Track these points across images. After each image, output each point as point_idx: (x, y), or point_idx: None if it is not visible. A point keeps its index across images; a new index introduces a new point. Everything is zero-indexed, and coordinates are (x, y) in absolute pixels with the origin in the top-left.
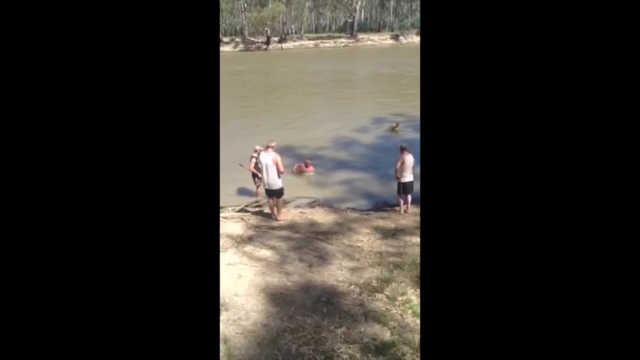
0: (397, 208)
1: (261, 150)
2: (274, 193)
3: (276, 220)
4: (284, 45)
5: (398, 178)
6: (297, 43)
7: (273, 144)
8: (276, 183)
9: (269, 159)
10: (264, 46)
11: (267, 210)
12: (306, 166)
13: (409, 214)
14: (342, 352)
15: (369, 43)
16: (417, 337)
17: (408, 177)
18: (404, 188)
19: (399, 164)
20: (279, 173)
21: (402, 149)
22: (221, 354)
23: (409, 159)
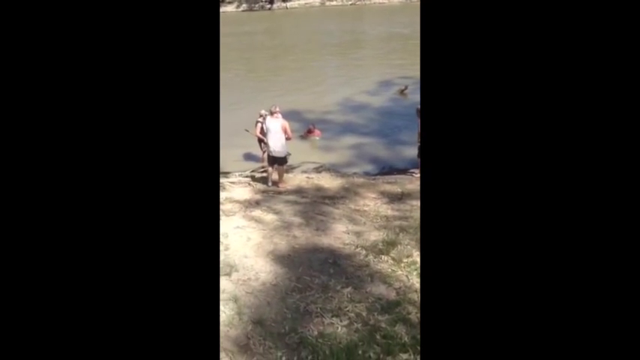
0: (415, 173)
1: (266, 115)
2: (278, 161)
3: (277, 186)
4: (289, 4)
5: (420, 141)
6: (302, 2)
7: (277, 109)
8: (283, 150)
9: (277, 125)
10: (268, 6)
11: (274, 175)
12: (309, 132)
13: (416, 179)
14: (348, 311)
15: (377, 1)
16: None
17: None
18: None
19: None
20: (287, 139)
21: (420, 112)
22: (232, 312)
23: None
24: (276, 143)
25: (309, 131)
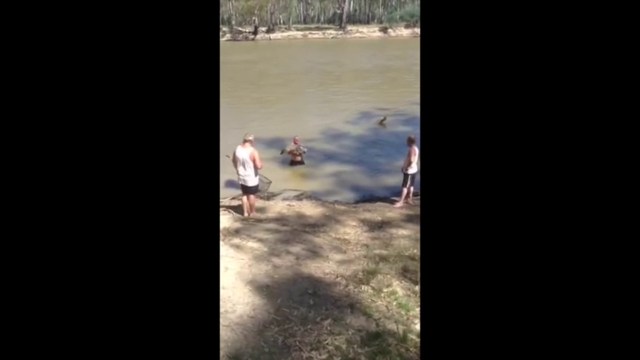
0: (398, 200)
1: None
2: (249, 190)
3: (248, 215)
4: (272, 35)
5: (405, 170)
6: (285, 34)
7: (250, 138)
8: (252, 179)
9: (246, 154)
10: (252, 37)
11: (256, 203)
12: (295, 143)
13: (396, 208)
14: (327, 344)
15: (357, 35)
16: (401, 328)
17: (415, 168)
18: (411, 180)
19: (413, 157)
20: (257, 169)
21: (411, 141)
22: None
23: (418, 150)
24: (244, 172)
25: (294, 142)
